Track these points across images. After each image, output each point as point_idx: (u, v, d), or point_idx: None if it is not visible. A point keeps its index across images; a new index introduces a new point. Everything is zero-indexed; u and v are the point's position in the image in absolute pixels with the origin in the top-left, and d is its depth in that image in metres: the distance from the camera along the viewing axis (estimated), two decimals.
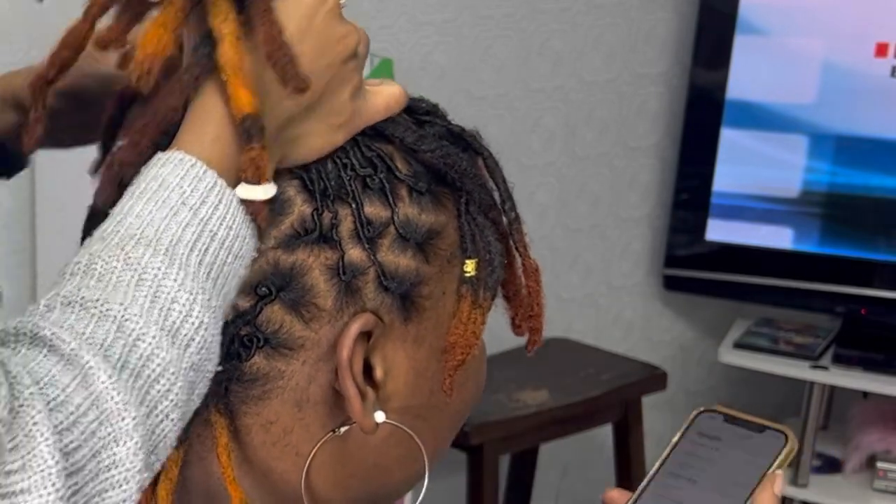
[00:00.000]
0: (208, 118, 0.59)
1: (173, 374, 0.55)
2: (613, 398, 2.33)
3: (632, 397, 2.37)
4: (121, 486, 0.53)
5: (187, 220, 0.57)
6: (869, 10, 2.48)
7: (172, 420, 0.55)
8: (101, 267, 0.56)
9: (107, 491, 0.53)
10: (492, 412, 2.13)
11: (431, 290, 0.65)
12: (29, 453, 0.50)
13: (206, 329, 0.56)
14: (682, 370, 2.86)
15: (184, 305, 0.56)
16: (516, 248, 0.69)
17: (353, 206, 0.63)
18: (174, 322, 0.55)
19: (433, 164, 0.65)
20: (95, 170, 0.68)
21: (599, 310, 2.78)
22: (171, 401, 0.55)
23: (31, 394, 0.51)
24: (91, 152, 0.73)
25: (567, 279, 2.69)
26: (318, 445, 0.65)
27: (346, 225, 0.62)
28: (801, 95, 2.52)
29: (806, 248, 2.55)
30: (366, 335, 0.63)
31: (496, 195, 0.68)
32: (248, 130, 0.58)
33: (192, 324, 0.56)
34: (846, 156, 2.50)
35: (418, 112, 0.68)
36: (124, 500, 0.53)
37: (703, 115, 2.62)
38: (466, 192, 0.66)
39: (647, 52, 2.71)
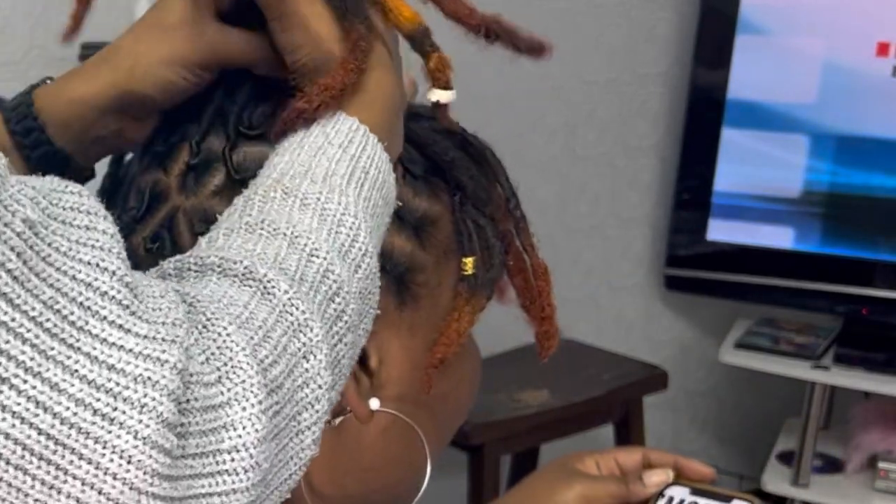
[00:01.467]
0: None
1: (347, 293, 0.53)
2: (614, 398, 2.33)
3: (633, 397, 2.37)
4: (313, 405, 0.50)
5: (338, 156, 0.56)
6: (870, 9, 2.48)
7: (346, 344, 0.53)
8: (259, 199, 0.54)
9: (301, 413, 0.50)
10: (493, 412, 2.12)
11: (427, 279, 0.65)
12: (225, 364, 0.46)
13: (370, 258, 0.55)
14: (682, 370, 2.86)
15: (350, 228, 0.54)
16: (524, 249, 0.68)
17: None
18: (343, 243, 0.53)
19: (423, 150, 0.66)
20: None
21: (600, 310, 2.78)
22: (346, 322, 0.53)
23: (216, 308, 0.48)
24: None
25: (568, 279, 2.69)
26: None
27: None
28: (802, 95, 2.51)
29: (807, 247, 2.54)
30: None
31: (499, 194, 0.68)
32: (423, 40, 0.61)
33: (360, 248, 0.54)
34: (847, 156, 2.49)
35: (416, 110, 0.68)
36: (316, 423, 0.50)
37: (703, 115, 2.61)
38: (458, 183, 0.66)
39: (648, 51, 2.70)
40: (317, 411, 0.50)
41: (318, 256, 0.52)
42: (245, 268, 0.50)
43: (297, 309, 0.50)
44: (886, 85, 2.44)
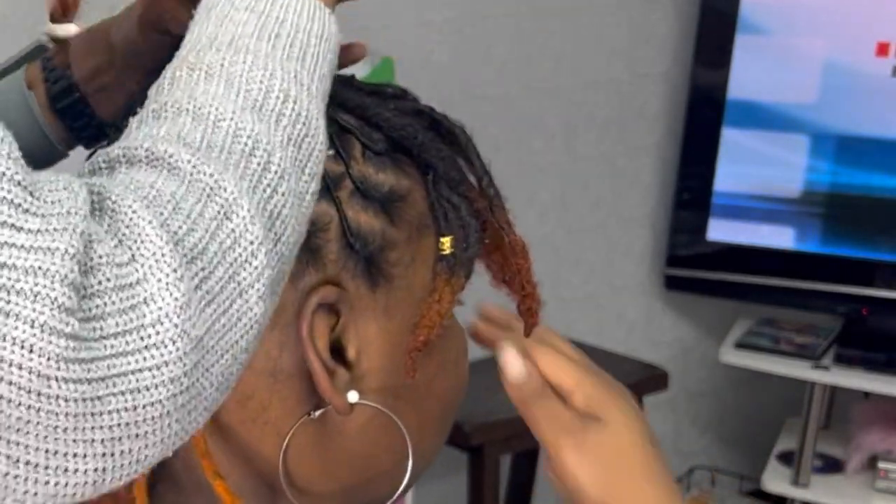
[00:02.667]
0: None
1: (268, 144, 0.52)
2: None
3: (633, 397, 2.37)
4: (250, 262, 0.50)
5: (245, 18, 0.56)
6: (870, 9, 2.48)
7: (282, 194, 0.52)
8: (167, 81, 0.55)
9: (238, 273, 0.50)
10: (493, 412, 2.12)
11: (400, 257, 0.64)
12: (135, 242, 0.47)
13: (295, 102, 0.54)
14: (683, 370, 2.86)
15: (261, 82, 0.54)
16: (500, 226, 0.67)
17: None
18: (256, 99, 0.53)
19: (389, 133, 0.65)
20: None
21: (601, 310, 2.78)
22: (275, 173, 0.52)
23: (121, 192, 0.48)
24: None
25: (568, 279, 2.69)
26: (296, 425, 0.63)
27: None
28: (803, 95, 2.52)
29: (807, 247, 2.54)
30: (331, 310, 0.62)
31: (473, 174, 0.67)
32: None
33: (277, 97, 0.54)
34: (847, 155, 2.49)
35: (384, 94, 0.68)
36: (257, 279, 0.50)
37: (704, 115, 2.62)
38: (429, 164, 0.65)
39: (648, 51, 2.70)
40: (255, 267, 0.50)
41: (224, 120, 0.52)
42: (146, 150, 0.50)
43: (204, 174, 0.50)
44: (886, 85, 2.44)
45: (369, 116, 0.65)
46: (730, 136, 2.57)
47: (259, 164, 0.52)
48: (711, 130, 2.58)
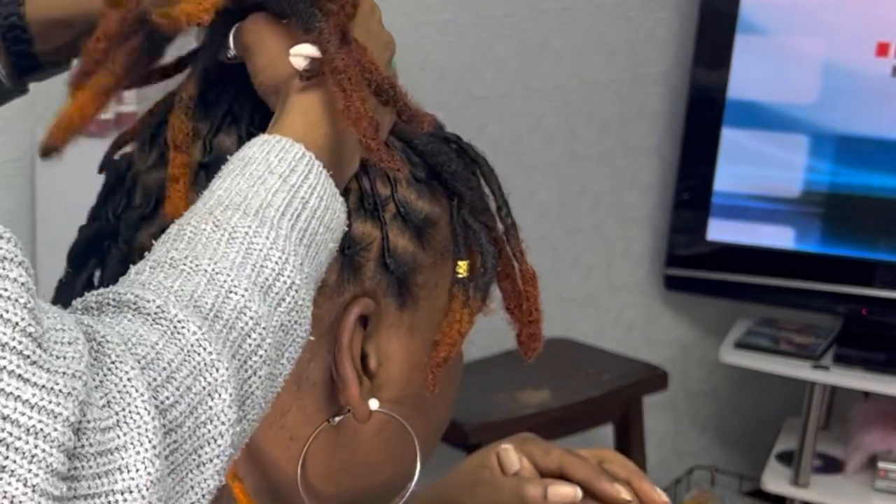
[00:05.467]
0: (299, 110, 0.61)
1: (264, 328, 0.54)
2: (614, 398, 2.33)
3: (633, 397, 2.37)
4: (216, 440, 0.52)
5: (276, 186, 0.57)
6: (870, 9, 2.48)
7: (260, 377, 0.54)
8: (191, 231, 0.56)
9: (202, 447, 0.52)
10: (492, 412, 2.12)
11: (426, 280, 0.67)
12: (124, 409, 0.48)
13: (297, 291, 0.56)
14: (682, 370, 2.86)
15: (276, 263, 0.55)
16: (513, 255, 0.70)
17: (359, 179, 0.65)
18: (266, 279, 0.55)
19: (427, 159, 0.67)
20: (101, 169, 0.69)
21: (600, 310, 2.78)
22: (261, 357, 0.54)
23: (122, 351, 0.50)
24: (92, 155, 0.72)
25: (568, 279, 2.69)
26: (315, 432, 0.65)
27: (352, 198, 0.64)
28: (802, 95, 2.52)
29: (807, 247, 2.54)
30: (363, 321, 0.64)
31: (492, 202, 0.70)
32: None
33: (284, 282, 0.55)
34: (847, 155, 2.50)
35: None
36: (218, 455, 0.52)
37: (703, 115, 2.62)
38: (457, 193, 0.68)
39: (648, 51, 2.71)
40: (219, 445, 0.52)
41: (235, 293, 0.54)
42: (158, 307, 0.52)
43: (204, 350, 0.51)
44: (886, 85, 2.44)
45: (412, 142, 0.68)
46: (729, 136, 2.57)
47: (251, 345, 0.54)
48: (711, 130, 2.58)
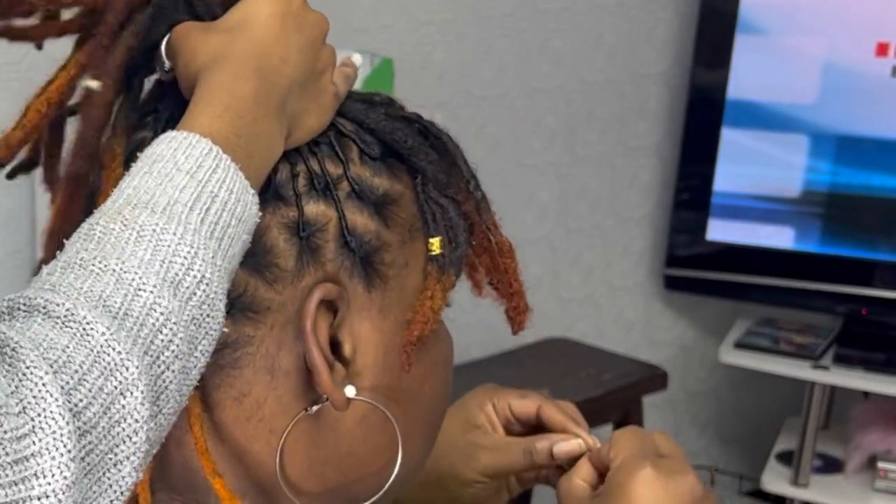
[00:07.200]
0: (206, 102, 0.61)
1: (175, 324, 0.55)
2: (614, 398, 2.33)
3: (632, 397, 2.37)
4: (130, 438, 0.53)
5: (184, 183, 0.57)
6: (869, 9, 2.48)
7: (174, 371, 0.55)
8: (100, 231, 0.56)
9: (118, 446, 0.52)
10: None
11: (394, 259, 0.66)
12: (39, 415, 0.49)
13: (208, 285, 0.56)
14: (682, 370, 2.86)
15: (185, 258, 0.56)
16: (486, 228, 0.70)
17: (306, 161, 0.65)
18: (176, 274, 0.55)
19: (382, 137, 0.67)
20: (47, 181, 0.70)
21: (600, 310, 2.78)
22: (173, 351, 0.55)
23: (35, 357, 0.50)
24: None
25: (567, 279, 2.69)
26: (293, 422, 0.64)
27: (301, 181, 0.64)
28: (802, 95, 2.52)
29: (807, 247, 2.54)
30: (330, 307, 0.64)
31: (460, 177, 0.69)
32: None
33: (195, 277, 0.56)
34: (847, 155, 2.50)
35: (374, 101, 0.70)
36: (134, 453, 0.53)
37: (703, 115, 2.62)
38: (418, 168, 0.67)
39: (648, 51, 2.71)
40: (134, 443, 0.53)
41: (144, 291, 0.54)
42: (67, 310, 0.52)
43: (113, 350, 0.52)
44: (886, 85, 2.44)
45: (363, 121, 0.67)
46: (729, 136, 2.57)
47: (163, 341, 0.54)
48: (711, 130, 2.58)
